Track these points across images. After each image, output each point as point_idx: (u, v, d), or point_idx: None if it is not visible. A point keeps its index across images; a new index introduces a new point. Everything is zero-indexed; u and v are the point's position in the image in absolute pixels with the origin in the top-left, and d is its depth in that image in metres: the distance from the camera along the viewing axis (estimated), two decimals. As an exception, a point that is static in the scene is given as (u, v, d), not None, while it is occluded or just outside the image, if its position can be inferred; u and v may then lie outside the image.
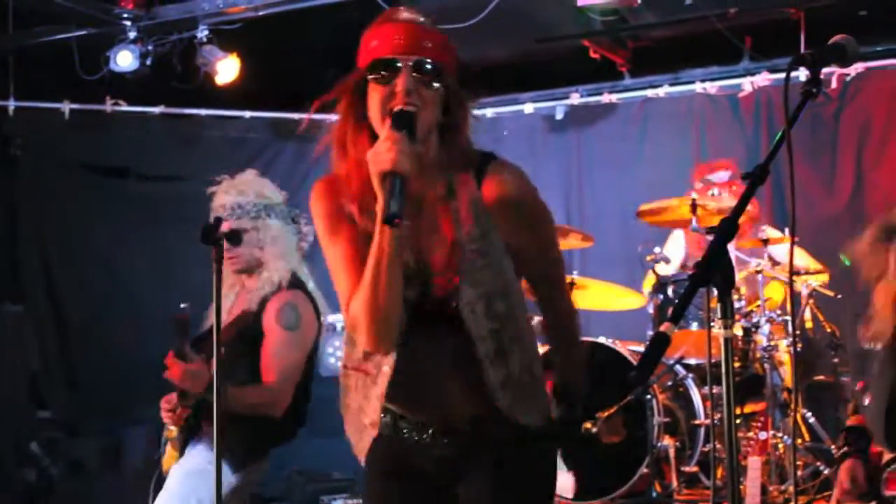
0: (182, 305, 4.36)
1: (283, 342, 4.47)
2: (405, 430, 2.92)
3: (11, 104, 8.66)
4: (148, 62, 8.33)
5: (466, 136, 2.84)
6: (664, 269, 6.81)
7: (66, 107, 8.71)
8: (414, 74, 2.72)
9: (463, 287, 2.75)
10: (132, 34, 8.26)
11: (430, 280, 2.77)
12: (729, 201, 6.74)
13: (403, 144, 2.58)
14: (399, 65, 2.72)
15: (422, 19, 2.81)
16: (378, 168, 2.58)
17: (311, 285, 4.67)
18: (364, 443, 2.95)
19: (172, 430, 4.52)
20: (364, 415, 2.92)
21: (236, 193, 4.67)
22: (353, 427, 2.98)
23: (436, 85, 2.74)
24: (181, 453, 4.48)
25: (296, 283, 4.60)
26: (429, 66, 2.73)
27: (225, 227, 4.39)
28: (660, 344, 2.18)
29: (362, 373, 2.90)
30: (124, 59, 8.22)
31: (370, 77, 2.77)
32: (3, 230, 8.63)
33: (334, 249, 2.84)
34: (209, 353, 4.15)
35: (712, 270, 2.33)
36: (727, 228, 2.37)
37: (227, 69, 8.36)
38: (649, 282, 6.75)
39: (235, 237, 4.45)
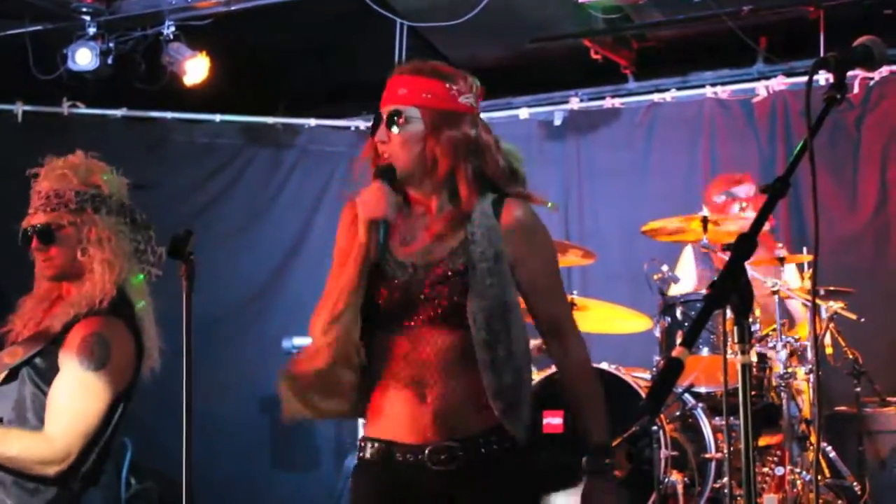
0: None
1: (79, 384, 3.87)
2: (399, 456, 3.33)
3: (-42, 106, 8.67)
4: (109, 61, 8.32)
5: (484, 157, 3.42)
6: (674, 290, 6.82)
7: (19, 108, 8.68)
8: (386, 124, 3.36)
9: (471, 297, 3.28)
10: (92, 30, 8.25)
11: (426, 279, 3.33)
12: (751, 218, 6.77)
13: (384, 192, 3.29)
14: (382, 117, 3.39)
15: (410, 67, 3.45)
16: (365, 214, 3.28)
17: (140, 305, 4.10)
18: None
19: None
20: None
21: (56, 179, 4.07)
22: None
23: (408, 126, 3.35)
24: None
25: (118, 305, 4.00)
26: (395, 114, 3.35)
27: (36, 220, 4.04)
28: (673, 370, 2.19)
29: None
30: (83, 57, 8.21)
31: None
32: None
33: (332, 279, 3.40)
34: None
35: (729, 291, 2.35)
36: (745, 245, 2.38)
37: (195, 69, 8.36)
38: None
39: (46, 234, 4.01)
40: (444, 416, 3.28)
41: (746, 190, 7.15)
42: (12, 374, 3.93)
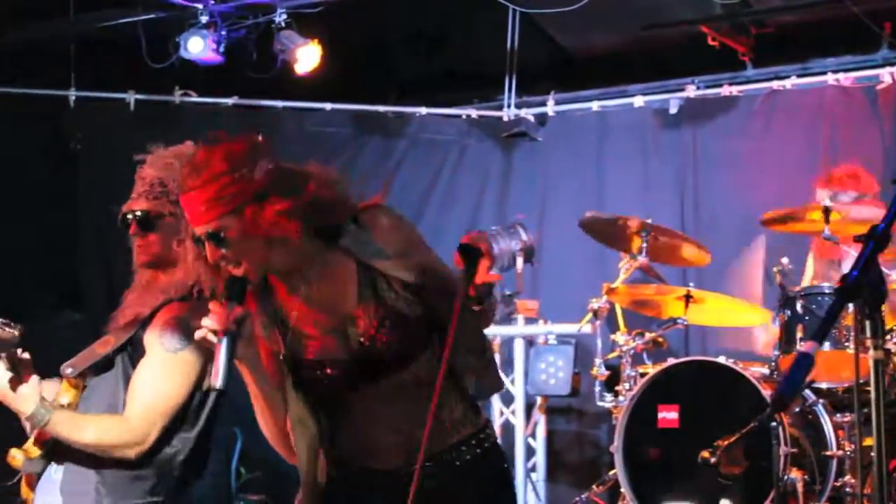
0: None
1: (158, 365, 3.88)
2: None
3: (72, 95, 8.81)
4: (220, 49, 8.39)
5: (321, 205, 3.28)
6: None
7: (132, 97, 8.82)
8: (215, 245, 3.13)
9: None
10: (204, 18, 8.33)
11: (355, 337, 3.25)
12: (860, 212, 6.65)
13: (220, 308, 3.13)
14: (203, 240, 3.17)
15: (189, 182, 3.14)
16: (210, 328, 3.13)
17: None
18: None
19: (17, 459, 3.96)
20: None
21: (161, 168, 4.06)
22: None
23: (233, 237, 3.12)
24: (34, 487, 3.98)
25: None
26: (213, 236, 3.12)
27: (138, 206, 4.04)
28: (804, 366, 2.15)
29: None
30: (195, 46, 8.29)
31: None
32: (62, 232, 8.75)
33: None
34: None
35: (861, 284, 2.29)
36: (879, 236, 2.32)
37: (306, 57, 8.39)
38: None
39: (146, 221, 4.01)
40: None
41: (851, 197, 7.00)
42: (109, 363, 3.97)
